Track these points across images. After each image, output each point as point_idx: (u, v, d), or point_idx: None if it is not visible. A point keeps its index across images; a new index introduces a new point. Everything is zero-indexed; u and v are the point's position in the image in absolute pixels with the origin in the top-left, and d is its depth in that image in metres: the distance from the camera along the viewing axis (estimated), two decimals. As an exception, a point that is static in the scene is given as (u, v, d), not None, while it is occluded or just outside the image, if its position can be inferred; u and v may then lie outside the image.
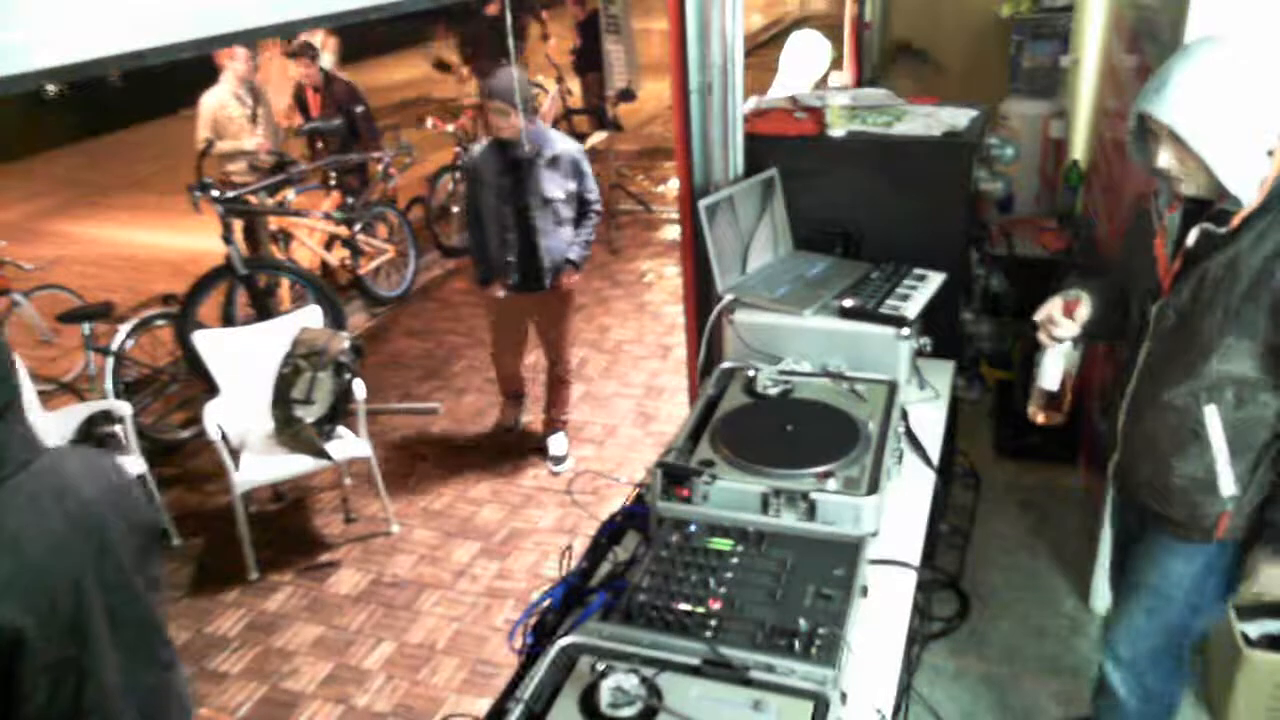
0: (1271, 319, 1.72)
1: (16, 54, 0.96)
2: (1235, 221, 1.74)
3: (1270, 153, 1.67)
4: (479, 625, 3.41)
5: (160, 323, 4.56)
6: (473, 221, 4.04)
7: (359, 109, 6.03)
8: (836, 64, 4.60)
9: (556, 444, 4.39)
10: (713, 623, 1.54)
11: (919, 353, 2.43)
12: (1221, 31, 1.73)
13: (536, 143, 3.79)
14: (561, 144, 3.90)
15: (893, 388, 2.16)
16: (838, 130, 2.76)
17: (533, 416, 4.67)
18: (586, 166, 3.97)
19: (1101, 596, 2.99)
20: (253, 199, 5.23)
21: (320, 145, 6.18)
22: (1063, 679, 2.81)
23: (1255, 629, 2.53)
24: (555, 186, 3.86)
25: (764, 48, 13.87)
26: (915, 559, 1.86)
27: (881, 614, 1.71)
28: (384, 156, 6.09)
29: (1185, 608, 2.03)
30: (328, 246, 5.85)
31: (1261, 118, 1.65)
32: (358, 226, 5.82)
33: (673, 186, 8.01)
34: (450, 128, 6.72)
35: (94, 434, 4.01)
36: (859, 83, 5.30)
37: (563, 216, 3.93)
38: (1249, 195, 1.70)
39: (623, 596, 1.62)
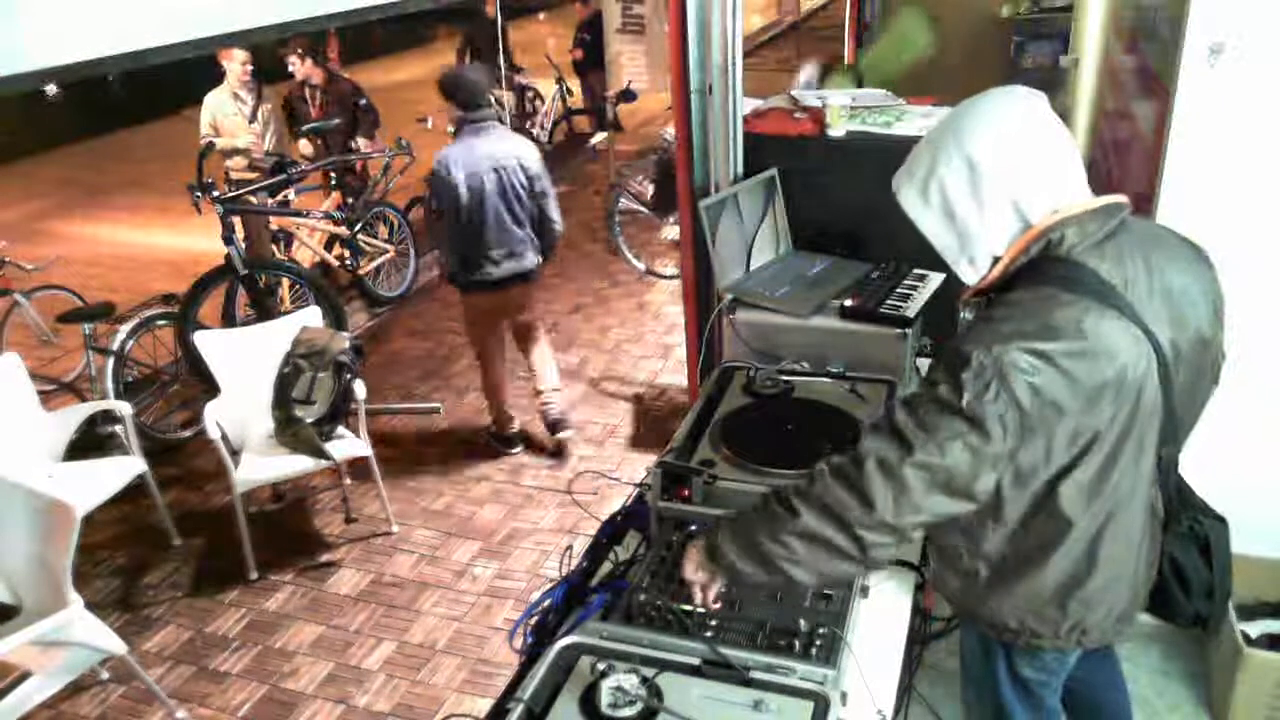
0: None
1: (16, 54, 0.97)
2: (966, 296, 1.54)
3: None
4: (479, 625, 3.41)
5: (161, 323, 4.56)
6: None
7: (361, 101, 6.08)
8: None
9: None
10: (713, 623, 1.55)
11: (919, 353, 2.43)
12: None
13: None
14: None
15: (893, 388, 2.16)
16: (838, 130, 2.76)
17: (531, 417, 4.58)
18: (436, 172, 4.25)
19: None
20: (253, 199, 5.23)
21: (321, 144, 6.19)
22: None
23: (1255, 629, 2.53)
24: None
25: (764, 48, 13.89)
26: (915, 559, 1.86)
27: (882, 614, 1.71)
28: (384, 156, 6.09)
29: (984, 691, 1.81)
30: (328, 246, 5.85)
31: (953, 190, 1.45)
32: (358, 226, 5.82)
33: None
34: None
35: (94, 434, 4.02)
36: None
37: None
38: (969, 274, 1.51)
39: (623, 596, 1.62)
